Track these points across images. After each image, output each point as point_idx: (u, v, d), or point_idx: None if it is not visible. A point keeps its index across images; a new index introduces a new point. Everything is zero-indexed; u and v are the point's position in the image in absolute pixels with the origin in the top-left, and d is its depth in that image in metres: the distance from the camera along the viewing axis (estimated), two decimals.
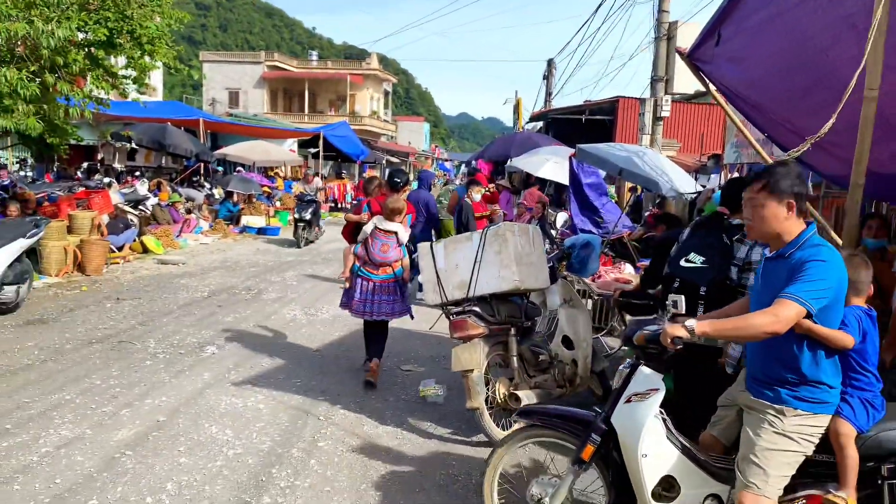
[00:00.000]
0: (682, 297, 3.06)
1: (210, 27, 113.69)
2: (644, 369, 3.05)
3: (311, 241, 16.13)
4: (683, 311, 2.99)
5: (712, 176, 12.98)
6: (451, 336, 4.85)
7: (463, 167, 21.26)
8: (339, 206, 27.46)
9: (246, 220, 17.93)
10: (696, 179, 12.54)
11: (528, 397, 4.72)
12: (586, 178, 12.17)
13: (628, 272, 7.63)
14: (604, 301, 6.77)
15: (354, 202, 14.49)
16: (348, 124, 31.25)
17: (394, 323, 8.38)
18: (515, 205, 13.10)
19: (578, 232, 11.34)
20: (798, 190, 2.85)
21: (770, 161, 6.55)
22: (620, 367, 3.17)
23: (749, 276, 4.36)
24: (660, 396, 2.99)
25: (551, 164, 14.22)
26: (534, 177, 15.15)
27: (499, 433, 4.71)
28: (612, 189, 15.49)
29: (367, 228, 6.16)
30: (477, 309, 4.77)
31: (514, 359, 4.97)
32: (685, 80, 13.87)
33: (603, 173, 12.42)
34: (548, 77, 28.92)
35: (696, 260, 4.47)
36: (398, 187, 6.69)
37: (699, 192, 12.66)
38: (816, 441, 2.87)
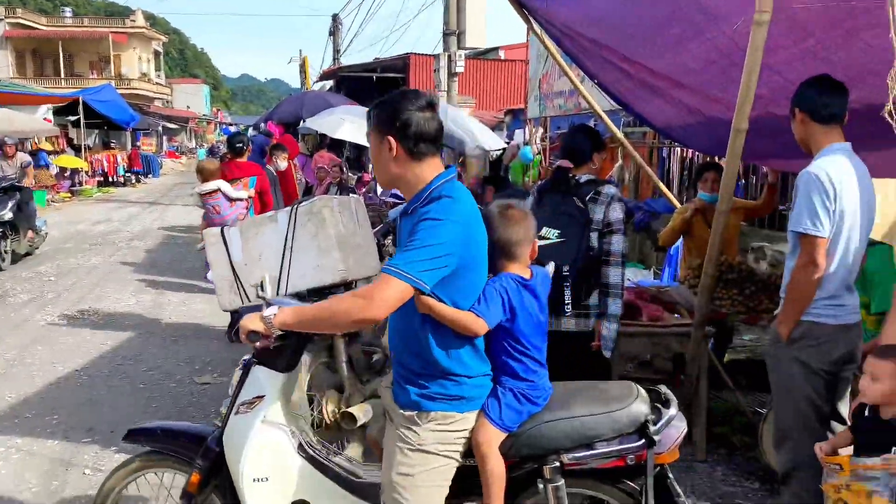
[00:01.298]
0: (267, 276, 2.42)
1: None
2: (257, 370, 2.47)
3: (27, 254, 10.56)
4: (268, 296, 2.36)
5: (517, 131, 12.66)
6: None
7: (251, 130, 19.47)
8: (111, 180, 24.48)
9: None
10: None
11: (365, 413, 3.71)
12: None
13: None
14: None
15: None
16: (114, 87, 27.92)
17: (185, 318, 7.27)
18: (316, 169, 12.12)
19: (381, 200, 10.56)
20: (404, 122, 2.15)
21: (599, 111, 6.07)
22: (236, 368, 2.59)
23: (612, 240, 3.70)
24: (269, 405, 2.45)
25: (348, 124, 13.25)
26: (328, 138, 14.19)
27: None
28: None
29: (195, 200, 6.36)
30: None
31: (344, 365, 3.94)
32: (477, 35, 13.49)
33: None
34: (334, 33, 27.78)
35: (551, 234, 3.69)
36: (242, 151, 6.89)
37: (503, 149, 12.34)
38: (462, 448, 2.27)
